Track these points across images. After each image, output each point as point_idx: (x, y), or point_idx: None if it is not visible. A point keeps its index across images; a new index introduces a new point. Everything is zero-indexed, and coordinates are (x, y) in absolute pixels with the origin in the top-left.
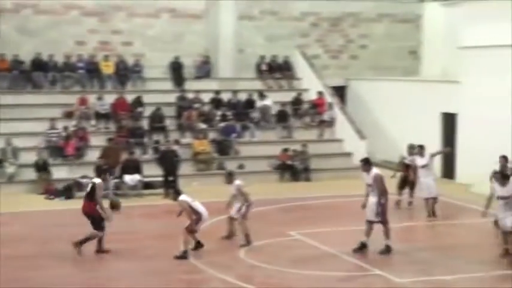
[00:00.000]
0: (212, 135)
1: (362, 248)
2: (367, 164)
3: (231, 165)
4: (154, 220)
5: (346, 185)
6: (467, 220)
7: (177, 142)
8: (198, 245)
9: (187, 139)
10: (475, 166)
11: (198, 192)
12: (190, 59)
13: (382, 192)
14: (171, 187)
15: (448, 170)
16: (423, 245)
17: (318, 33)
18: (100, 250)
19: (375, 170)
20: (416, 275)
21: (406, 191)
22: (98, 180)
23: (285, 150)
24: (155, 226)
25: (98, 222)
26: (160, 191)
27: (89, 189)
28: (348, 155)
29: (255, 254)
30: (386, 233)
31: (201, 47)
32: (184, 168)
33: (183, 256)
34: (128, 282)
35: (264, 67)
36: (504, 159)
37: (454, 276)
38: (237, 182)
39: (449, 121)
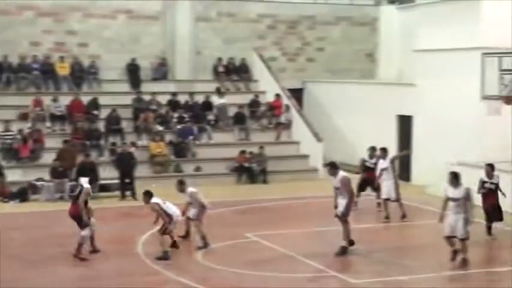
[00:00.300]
0: (169, 137)
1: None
2: (333, 167)
3: (188, 167)
4: (110, 223)
5: (303, 187)
6: (422, 221)
7: (133, 144)
8: (174, 244)
9: (144, 141)
10: (430, 168)
11: (156, 195)
12: (147, 60)
13: (351, 193)
14: (127, 189)
15: (404, 172)
16: (380, 246)
17: (275, 35)
18: (93, 250)
19: (341, 173)
20: (372, 276)
21: (365, 193)
22: (86, 185)
23: (242, 152)
24: (111, 229)
25: (84, 222)
26: (117, 193)
27: (77, 192)
28: (305, 157)
29: (212, 256)
30: (345, 234)
31: (157, 48)
32: (141, 171)
33: (164, 257)
34: (84, 286)
35: (221, 69)
36: (490, 167)
37: (409, 277)
38: (190, 189)
39: (405, 123)
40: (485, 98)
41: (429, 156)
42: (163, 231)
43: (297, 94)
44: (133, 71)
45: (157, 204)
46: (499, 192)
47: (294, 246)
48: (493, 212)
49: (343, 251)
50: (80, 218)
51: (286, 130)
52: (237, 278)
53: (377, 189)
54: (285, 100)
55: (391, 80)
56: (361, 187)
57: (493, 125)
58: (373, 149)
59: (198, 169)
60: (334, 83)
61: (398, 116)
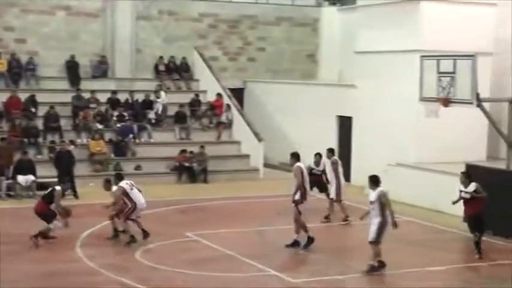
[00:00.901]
0: (109, 135)
1: (295, 244)
2: (293, 157)
3: (128, 166)
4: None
5: (243, 187)
6: (359, 221)
7: (72, 143)
8: (145, 233)
9: (83, 139)
10: (368, 169)
11: (94, 194)
12: (86, 58)
13: (298, 183)
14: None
15: (344, 173)
16: (319, 246)
17: (216, 34)
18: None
19: (298, 164)
20: (311, 275)
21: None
22: (58, 187)
23: (183, 151)
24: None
25: (50, 218)
26: None
27: (47, 191)
28: (246, 156)
29: (152, 256)
30: (297, 230)
31: (97, 46)
32: (80, 169)
33: (132, 241)
34: (20, 285)
35: (162, 68)
36: (463, 174)
37: (346, 276)
38: (114, 188)
39: (345, 124)
40: (424, 100)
41: (368, 157)
42: (126, 216)
43: (238, 94)
44: (72, 68)
45: (122, 188)
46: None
47: (234, 246)
48: (472, 222)
49: (293, 244)
50: (45, 215)
51: (227, 130)
52: (178, 278)
53: (324, 190)
54: (226, 100)
55: (331, 81)
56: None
57: (430, 126)
58: (319, 155)
59: (138, 168)
60: (275, 83)
61: (338, 117)
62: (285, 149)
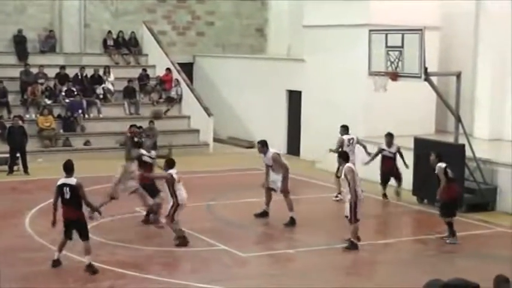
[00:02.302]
0: (57, 111)
1: (264, 214)
2: (264, 146)
3: (77, 142)
4: None
5: (193, 162)
6: (311, 195)
7: (20, 118)
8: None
9: (31, 115)
10: (318, 143)
11: (44, 169)
12: (34, 32)
13: (285, 168)
14: (16, 164)
15: (293, 147)
16: (269, 220)
17: (164, 9)
18: None
19: (271, 151)
20: (261, 250)
21: None
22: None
23: (132, 126)
24: None
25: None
26: (5, 167)
27: None
28: (195, 131)
29: (102, 231)
30: (290, 205)
31: (45, 20)
32: (29, 145)
33: (181, 243)
34: None
35: (110, 43)
36: (389, 136)
37: (296, 250)
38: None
39: (294, 98)
40: (372, 74)
41: (318, 131)
42: (172, 217)
43: (187, 68)
44: (20, 43)
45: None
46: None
47: (184, 221)
48: (390, 173)
49: (292, 222)
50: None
51: (176, 104)
52: (126, 253)
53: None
54: (175, 74)
55: (280, 56)
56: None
57: (379, 101)
58: (390, 135)
59: (87, 143)
60: (225, 57)
61: (288, 91)
62: (234, 123)
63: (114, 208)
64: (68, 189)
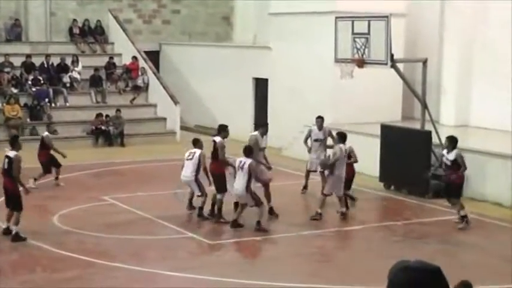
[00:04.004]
0: (24, 100)
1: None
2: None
3: (43, 130)
4: None
5: (160, 150)
6: (278, 182)
7: None
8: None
9: None
10: (285, 130)
11: None
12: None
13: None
14: None
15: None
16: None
17: None
18: None
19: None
20: (228, 237)
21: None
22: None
23: (99, 115)
24: None
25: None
26: None
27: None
28: (162, 119)
29: (69, 220)
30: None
31: (10, 9)
32: None
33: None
34: None
35: (76, 31)
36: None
37: (264, 237)
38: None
39: (261, 86)
40: (338, 61)
41: (285, 118)
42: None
43: (153, 56)
44: None
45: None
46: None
47: (151, 209)
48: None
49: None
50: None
51: (143, 93)
52: (94, 241)
53: None
54: (142, 63)
55: (247, 44)
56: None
57: (346, 88)
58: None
59: (54, 132)
60: (191, 45)
61: (254, 79)
62: (201, 111)
63: (81, 197)
64: (6, 160)
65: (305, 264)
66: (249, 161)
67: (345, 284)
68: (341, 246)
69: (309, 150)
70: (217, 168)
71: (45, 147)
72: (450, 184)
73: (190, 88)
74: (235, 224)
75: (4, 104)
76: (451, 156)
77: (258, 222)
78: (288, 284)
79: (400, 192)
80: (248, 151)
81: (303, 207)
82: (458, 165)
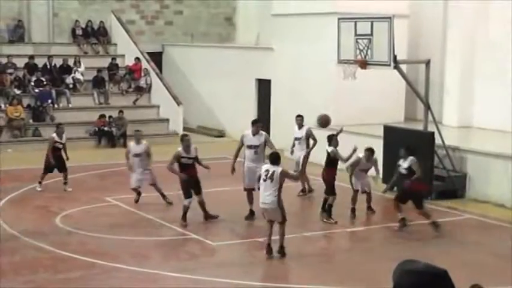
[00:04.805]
0: (27, 101)
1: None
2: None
3: (46, 131)
4: None
5: (163, 151)
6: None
7: None
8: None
9: (1, 105)
10: (287, 131)
11: (13, 160)
12: (2, 22)
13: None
14: None
15: None
16: (240, 210)
17: None
18: None
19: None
20: (231, 238)
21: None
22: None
23: (102, 116)
24: None
25: None
26: None
27: None
28: (165, 120)
29: (71, 221)
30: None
31: (13, 10)
32: None
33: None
34: None
35: (79, 32)
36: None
37: (266, 238)
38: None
39: (264, 87)
40: (341, 62)
41: (287, 119)
42: None
43: (156, 58)
44: None
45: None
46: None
47: (153, 210)
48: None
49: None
50: None
51: (145, 94)
52: (97, 242)
53: None
54: (145, 64)
55: (249, 44)
56: None
57: (348, 89)
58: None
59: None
60: (193, 46)
61: (257, 80)
62: (203, 112)
63: (84, 198)
64: None
65: (308, 266)
66: (279, 169)
67: (346, 286)
68: (343, 248)
69: (292, 151)
70: None
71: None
72: (413, 192)
73: (192, 89)
74: (271, 250)
75: (7, 105)
76: (406, 163)
77: (282, 248)
78: (291, 285)
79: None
80: (276, 158)
81: (305, 209)
82: (413, 172)
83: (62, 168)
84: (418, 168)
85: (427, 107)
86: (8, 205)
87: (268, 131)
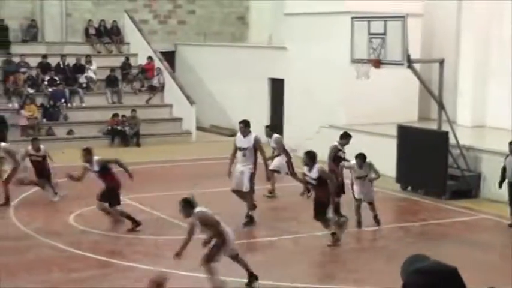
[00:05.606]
0: (40, 100)
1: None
2: (246, 125)
3: (60, 131)
4: None
5: (176, 150)
6: (290, 183)
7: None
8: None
9: (14, 104)
10: (301, 131)
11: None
12: (16, 22)
13: (263, 155)
14: None
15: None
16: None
17: None
18: None
19: (253, 134)
20: (243, 237)
21: None
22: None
23: (115, 115)
24: None
25: None
26: None
27: None
28: (178, 120)
29: (85, 220)
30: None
31: (26, 9)
32: (12, 134)
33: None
34: None
35: (92, 31)
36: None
37: (279, 237)
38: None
39: (277, 86)
40: (354, 61)
41: (300, 119)
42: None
43: (169, 57)
44: (1, 32)
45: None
46: None
47: (167, 209)
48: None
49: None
50: None
51: (158, 93)
52: (110, 241)
53: None
54: (157, 63)
55: (262, 44)
56: None
57: (361, 88)
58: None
59: (70, 132)
60: (206, 46)
61: (270, 79)
62: (216, 112)
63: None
64: None
65: (319, 265)
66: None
67: (358, 285)
68: (356, 247)
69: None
70: None
71: None
72: (317, 201)
73: (205, 88)
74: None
75: (24, 106)
76: (314, 173)
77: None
78: (303, 284)
79: (417, 193)
80: (313, 157)
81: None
82: (324, 180)
83: (48, 178)
84: (327, 175)
85: (441, 107)
86: (21, 204)
87: (281, 130)
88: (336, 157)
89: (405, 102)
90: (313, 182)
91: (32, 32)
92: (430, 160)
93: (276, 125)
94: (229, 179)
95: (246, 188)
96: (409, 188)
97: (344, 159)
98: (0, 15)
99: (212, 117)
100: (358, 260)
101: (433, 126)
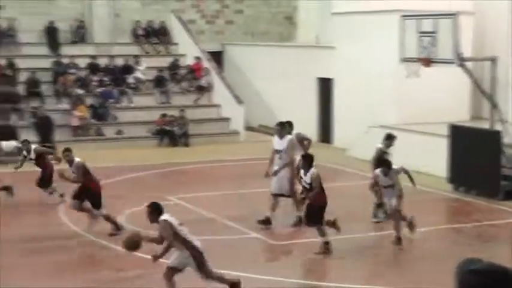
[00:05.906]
0: (89, 100)
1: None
2: (283, 128)
3: (109, 131)
4: (30, 186)
5: (224, 150)
6: (342, 183)
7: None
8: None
9: (64, 105)
10: (350, 130)
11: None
12: (65, 23)
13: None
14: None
15: (325, 135)
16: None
17: None
18: None
19: (289, 136)
20: (290, 238)
21: None
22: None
23: (163, 115)
24: (32, 192)
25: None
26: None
27: None
28: (226, 120)
29: (135, 219)
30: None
31: (75, 11)
32: (62, 134)
33: None
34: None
35: (140, 32)
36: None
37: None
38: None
39: (325, 86)
40: (404, 60)
41: (350, 118)
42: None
43: (216, 57)
44: (51, 34)
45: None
46: None
47: (215, 209)
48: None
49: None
50: None
51: (206, 93)
52: None
53: None
54: (205, 63)
55: (310, 43)
56: None
57: (411, 87)
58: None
59: (119, 132)
60: (254, 45)
61: (318, 79)
62: (264, 111)
63: (146, 197)
64: None
65: (370, 265)
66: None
67: (410, 286)
68: (408, 248)
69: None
70: None
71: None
72: (311, 206)
73: (253, 88)
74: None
75: (75, 107)
76: (308, 178)
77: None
78: (353, 285)
79: (469, 193)
80: (310, 162)
81: (367, 208)
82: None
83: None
84: (318, 183)
85: (494, 106)
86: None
87: (328, 130)
88: (381, 161)
89: (457, 101)
90: (308, 186)
91: (80, 33)
92: (482, 160)
93: (290, 123)
94: (267, 179)
95: (287, 191)
96: (462, 188)
97: (389, 162)
98: (50, 17)
99: (260, 117)
100: (411, 260)
101: (486, 125)
